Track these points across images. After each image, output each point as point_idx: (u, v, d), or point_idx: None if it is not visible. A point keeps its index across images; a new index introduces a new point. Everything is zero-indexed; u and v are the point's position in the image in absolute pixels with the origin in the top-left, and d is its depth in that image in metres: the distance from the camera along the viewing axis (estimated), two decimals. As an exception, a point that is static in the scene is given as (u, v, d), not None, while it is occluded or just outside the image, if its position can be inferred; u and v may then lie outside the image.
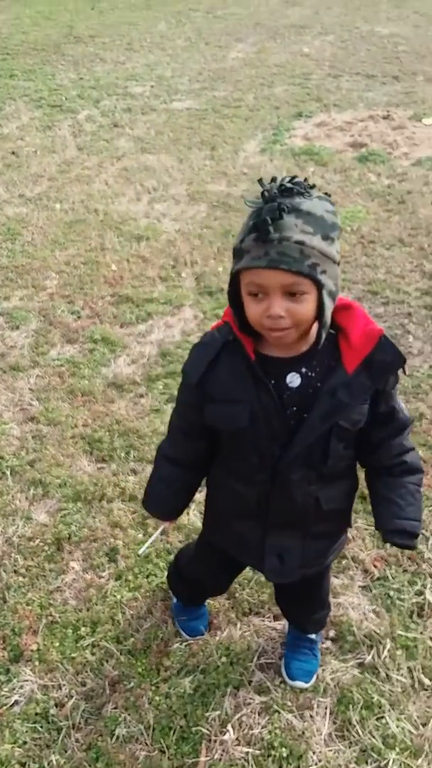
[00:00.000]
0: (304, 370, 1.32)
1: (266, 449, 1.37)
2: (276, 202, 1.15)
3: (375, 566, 2.23)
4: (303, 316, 1.21)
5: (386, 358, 1.29)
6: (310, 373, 1.32)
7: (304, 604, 1.85)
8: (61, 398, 3.02)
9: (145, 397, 3.00)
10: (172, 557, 2.22)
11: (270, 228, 1.14)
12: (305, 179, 1.22)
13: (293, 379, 1.32)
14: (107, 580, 2.19)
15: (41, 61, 8.59)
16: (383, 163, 5.40)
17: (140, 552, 2.22)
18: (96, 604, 2.10)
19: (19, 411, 2.97)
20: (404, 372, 1.35)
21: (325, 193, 1.23)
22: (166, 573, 2.14)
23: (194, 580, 1.91)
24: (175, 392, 2.96)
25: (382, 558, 2.25)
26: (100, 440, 2.75)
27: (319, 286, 1.19)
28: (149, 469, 2.59)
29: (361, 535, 2.32)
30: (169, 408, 2.92)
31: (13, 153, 5.84)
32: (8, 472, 2.63)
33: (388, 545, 2.23)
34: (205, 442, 1.50)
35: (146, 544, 2.09)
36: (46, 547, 2.31)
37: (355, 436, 1.38)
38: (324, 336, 1.26)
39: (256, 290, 1.21)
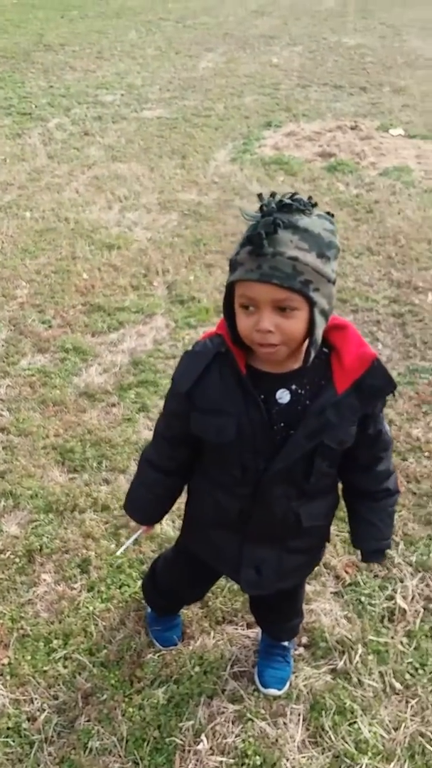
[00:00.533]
0: (294, 387, 1.31)
1: (250, 463, 1.37)
2: (272, 217, 1.15)
3: (346, 572, 2.25)
4: (293, 332, 1.20)
5: (377, 383, 1.30)
6: (300, 391, 1.31)
7: (279, 614, 1.86)
8: (32, 408, 3.00)
9: (117, 407, 2.99)
10: (145, 567, 2.22)
11: (264, 242, 1.14)
12: (309, 197, 1.22)
13: (283, 396, 1.31)
14: (79, 591, 2.17)
15: (10, 68, 8.55)
16: (351, 173, 5.47)
17: (118, 553, 2.22)
18: (68, 616, 2.09)
19: (-11, 422, 2.94)
20: (394, 396, 1.37)
21: (328, 213, 1.23)
22: (140, 583, 2.14)
23: (169, 590, 1.91)
24: (147, 401, 3.00)
25: (353, 564, 2.28)
26: (71, 450, 2.73)
27: (310, 303, 1.18)
28: (122, 478, 2.60)
29: (332, 542, 2.34)
30: (141, 417, 2.92)
31: (-18, 161, 5.80)
32: (-22, 484, 2.60)
33: (359, 551, 2.26)
34: (189, 451, 1.51)
35: (123, 546, 2.09)
36: (17, 560, 2.29)
37: (340, 456, 1.40)
38: (313, 354, 1.25)
39: (247, 303, 1.21)
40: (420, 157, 5.84)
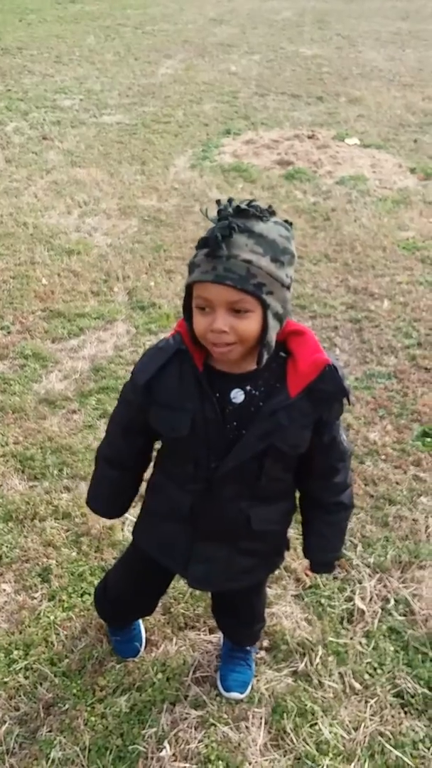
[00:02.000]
0: (248, 388, 1.35)
1: (202, 460, 1.39)
2: (228, 221, 1.19)
3: (306, 575, 2.29)
4: (246, 333, 1.24)
5: (327, 388, 1.32)
6: (254, 392, 1.34)
7: (239, 618, 1.88)
8: (-10, 416, 2.96)
9: (78, 413, 2.98)
10: (106, 575, 2.21)
11: (221, 244, 1.18)
12: (269, 206, 1.27)
13: (237, 396, 1.34)
14: (40, 601, 2.16)
15: (-34, 71, 8.42)
16: (309, 181, 5.56)
17: None
18: (29, 626, 2.07)
19: None
20: (349, 402, 1.40)
21: (286, 221, 1.28)
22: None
23: (117, 597, 1.89)
24: (108, 408, 2.99)
25: (313, 567, 2.31)
26: (32, 458, 2.71)
27: (264, 305, 1.22)
28: (83, 486, 2.58)
29: (292, 545, 2.37)
30: (102, 424, 2.91)
31: None
32: None
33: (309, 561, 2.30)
34: (143, 440, 1.54)
35: None
36: (-24, 570, 2.26)
37: (295, 461, 1.43)
38: (266, 356, 1.28)
39: (203, 304, 1.25)
40: (375, 166, 5.96)
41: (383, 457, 2.78)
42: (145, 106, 7.48)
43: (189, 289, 1.28)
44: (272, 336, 1.27)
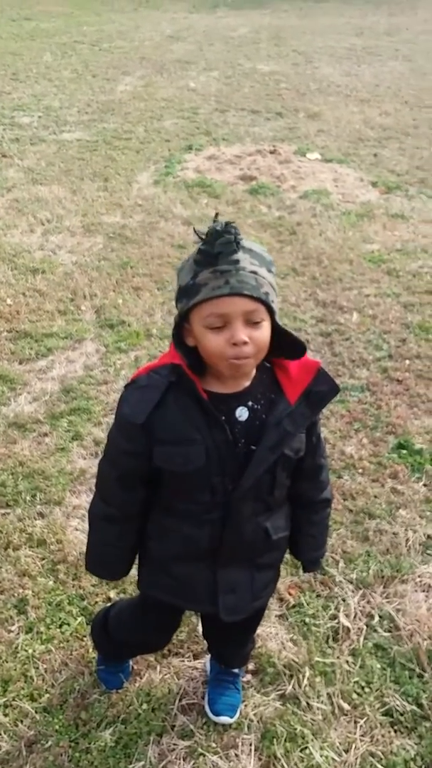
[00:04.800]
0: (250, 403, 1.36)
1: (218, 485, 1.38)
2: (232, 236, 1.22)
3: (290, 594, 2.26)
4: (263, 342, 1.28)
5: (323, 389, 1.38)
6: (256, 406, 1.36)
7: (237, 640, 1.83)
8: (-43, 442, 2.87)
9: (50, 436, 2.91)
10: (86, 603, 2.15)
11: (232, 258, 1.22)
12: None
13: (242, 413, 1.36)
14: (17, 633, 2.08)
15: None
16: (273, 196, 5.59)
17: None
18: (6, 661, 1.99)
19: None
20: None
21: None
22: (80, 620, 2.07)
23: (124, 641, 1.83)
24: (81, 429, 2.94)
25: (296, 585, 2.28)
26: (3, 484, 2.63)
27: (272, 312, 1.28)
28: (57, 511, 2.52)
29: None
30: (74, 446, 2.85)
31: None
32: None
33: (301, 572, 2.28)
34: (145, 491, 1.47)
35: None
36: None
37: (294, 465, 1.45)
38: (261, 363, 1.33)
39: (216, 322, 1.24)
40: (337, 180, 6.03)
41: (360, 470, 2.78)
42: (105, 123, 7.46)
43: (186, 314, 1.28)
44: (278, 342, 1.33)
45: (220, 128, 7.42)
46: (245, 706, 1.93)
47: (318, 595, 2.26)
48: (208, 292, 1.22)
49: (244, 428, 1.36)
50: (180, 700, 1.92)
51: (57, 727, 1.84)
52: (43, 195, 5.49)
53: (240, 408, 1.35)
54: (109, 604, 1.99)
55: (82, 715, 1.86)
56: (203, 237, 1.24)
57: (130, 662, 1.98)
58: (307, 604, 2.22)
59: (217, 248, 1.22)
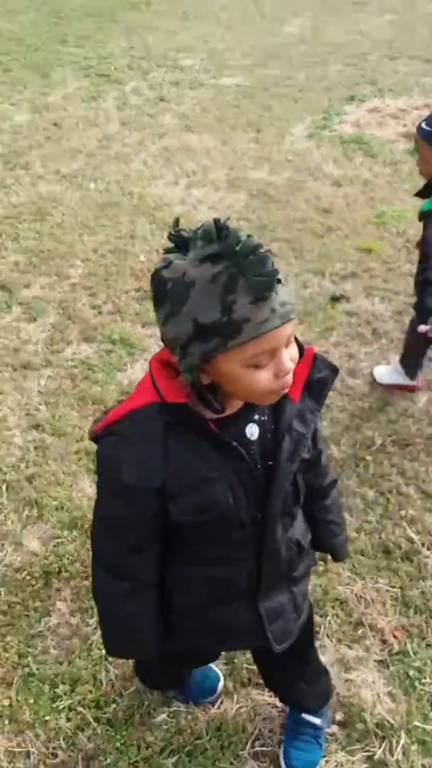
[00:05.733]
0: (257, 416, 1.21)
1: (247, 518, 1.21)
2: (271, 263, 1.04)
3: (395, 637, 1.98)
4: (296, 360, 1.14)
5: (324, 374, 1.24)
6: (262, 418, 1.21)
7: (297, 672, 1.61)
8: (69, 405, 2.80)
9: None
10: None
11: (276, 287, 1.03)
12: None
13: (252, 431, 1.20)
14: (94, 628, 1.97)
15: (94, 27, 8.27)
16: (440, 158, 4.99)
17: None
18: (78, 658, 1.89)
19: (24, 416, 2.77)
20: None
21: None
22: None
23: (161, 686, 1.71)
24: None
25: (403, 627, 1.99)
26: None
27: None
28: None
29: (381, 599, 2.06)
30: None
31: (55, 124, 5.59)
32: (4, 488, 2.43)
33: (411, 613, 2.00)
34: (161, 549, 1.24)
35: None
36: (33, 581, 2.11)
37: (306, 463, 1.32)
38: None
39: (265, 358, 1.06)
40: None
41: None
42: (267, 68, 7.04)
43: (209, 357, 1.05)
44: None
45: (388, 77, 6.76)
46: (326, 762, 1.70)
47: (428, 645, 1.96)
48: (256, 327, 1.02)
49: (258, 446, 1.20)
50: (253, 743, 1.73)
51: (118, 744, 1.72)
52: (193, 144, 5.28)
53: (249, 426, 1.19)
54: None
55: (147, 736, 1.73)
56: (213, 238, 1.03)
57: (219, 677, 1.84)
58: (414, 654, 1.93)
59: (262, 282, 1.01)
